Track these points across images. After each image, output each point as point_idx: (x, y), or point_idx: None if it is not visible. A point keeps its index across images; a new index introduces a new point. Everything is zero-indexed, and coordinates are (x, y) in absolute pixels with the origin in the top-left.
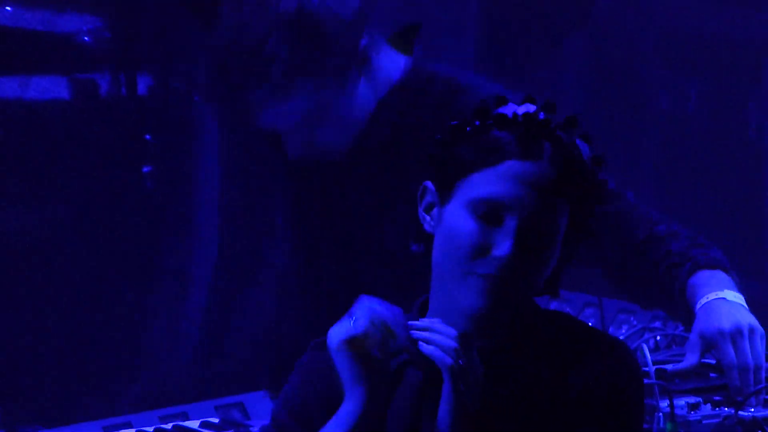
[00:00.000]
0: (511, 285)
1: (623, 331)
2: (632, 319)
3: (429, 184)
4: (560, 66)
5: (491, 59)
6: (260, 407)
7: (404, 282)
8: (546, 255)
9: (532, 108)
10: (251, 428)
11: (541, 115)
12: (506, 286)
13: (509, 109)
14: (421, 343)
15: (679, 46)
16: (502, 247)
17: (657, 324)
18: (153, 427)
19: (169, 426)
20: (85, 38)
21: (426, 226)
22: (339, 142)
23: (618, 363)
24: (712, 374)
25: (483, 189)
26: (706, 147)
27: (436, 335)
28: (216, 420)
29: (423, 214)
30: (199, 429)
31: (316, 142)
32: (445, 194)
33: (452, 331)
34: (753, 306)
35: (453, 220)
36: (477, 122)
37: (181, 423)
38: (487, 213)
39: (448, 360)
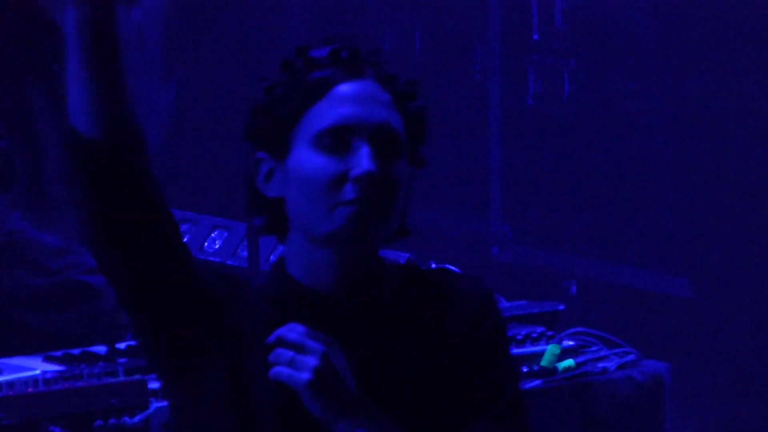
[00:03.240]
0: (375, 204)
1: (217, 246)
2: (226, 234)
3: (260, 153)
4: (282, 4)
5: None
6: None
7: None
8: (399, 171)
9: (336, 45)
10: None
11: (344, 53)
12: (372, 206)
13: (316, 52)
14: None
15: None
16: (360, 167)
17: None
18: None
19: None
20: None
21: (270, 193)
22: None
23: (482, 298)
24: None
25: (321, 121)
26: (432, 89)
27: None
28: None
29: (263, 184)
30: None
31: None
32: (282, 150)
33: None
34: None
35: (303, 165)
36: (286, 76)
37: None
38: (334, 143)
39: (302, 376)
